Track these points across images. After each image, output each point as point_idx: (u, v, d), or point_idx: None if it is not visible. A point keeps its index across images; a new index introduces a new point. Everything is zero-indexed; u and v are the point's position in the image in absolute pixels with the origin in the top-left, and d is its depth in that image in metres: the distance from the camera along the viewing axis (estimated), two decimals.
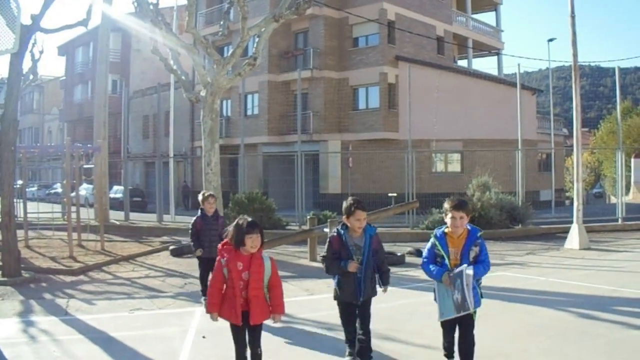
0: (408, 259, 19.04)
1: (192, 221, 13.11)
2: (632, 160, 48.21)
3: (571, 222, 22.55)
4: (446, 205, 7.33)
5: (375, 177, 39.06)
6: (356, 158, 41.10)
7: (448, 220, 7.28)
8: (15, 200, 18.14)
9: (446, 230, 7.36)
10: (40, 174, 59.61)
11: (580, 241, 21.58)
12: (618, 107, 33.81)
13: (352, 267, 7.68)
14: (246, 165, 33.27)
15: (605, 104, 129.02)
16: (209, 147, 21.24)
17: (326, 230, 17.51)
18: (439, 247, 7.34)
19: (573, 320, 10.79)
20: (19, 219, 22.00)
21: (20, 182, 55.94)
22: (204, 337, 9.92)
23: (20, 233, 18.87)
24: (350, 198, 7.95)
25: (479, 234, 7.31)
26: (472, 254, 7.23)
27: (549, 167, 44.07)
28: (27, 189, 25.89)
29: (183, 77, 22.91)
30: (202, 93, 21.54)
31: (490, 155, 36.39)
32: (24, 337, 10.36)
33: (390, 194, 28.62)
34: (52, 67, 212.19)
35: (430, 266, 7.45)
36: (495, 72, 56.61)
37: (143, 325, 11.16)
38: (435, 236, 7.43)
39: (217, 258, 6.91)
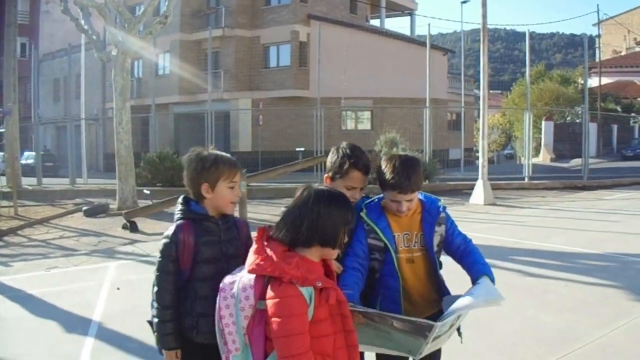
0: None
1: None
2: (543, 122, 49.32)
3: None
4: (384, 167, 4.14)
5: (285, 135, 39.45)
6: (267, 116, 41.27)
7: (388, 201, 4.23)
8: None
9: (383, 203, 4.31)
10: None
11: (485, 197, 22.29)
12: (527, 69, 34.75)
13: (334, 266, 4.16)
14: (157, 124, 33.18)
15: (520, 68, 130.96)
16: (120, 106, 21.21)
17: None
18: (377, 231, 4.19)
19: (459, 267, 11.28)
20: None
21: None
22: (118, 288, 10.31)
23: None
24: (344, 144, 4.48)
25: (440, 204, 4.35)
26: (436, 239, 4.31)
27: (459, 127, 44.96)
28: None
29: (94, 37, 22.80)
30: (114, 52, 21.48)
31: (400, 114, 37.03)
32: None
33: (298, 149, 28.88)
34: None
35: (348, 270, 4.11)
36: (408, 33, 57.23)
37: (60, 281, 11.33)
38: (366, 212, 4.25)
39: None
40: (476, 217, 18.86)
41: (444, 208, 4.36)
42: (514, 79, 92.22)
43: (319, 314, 3.26)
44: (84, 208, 21.54)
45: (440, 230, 4.32)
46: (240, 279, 3.43)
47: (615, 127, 56.88)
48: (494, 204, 22.05)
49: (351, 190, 4.31)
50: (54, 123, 51.29)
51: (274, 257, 3.28)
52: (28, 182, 31.74)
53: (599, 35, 63.91)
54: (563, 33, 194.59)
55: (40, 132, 50.26)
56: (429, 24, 36.35)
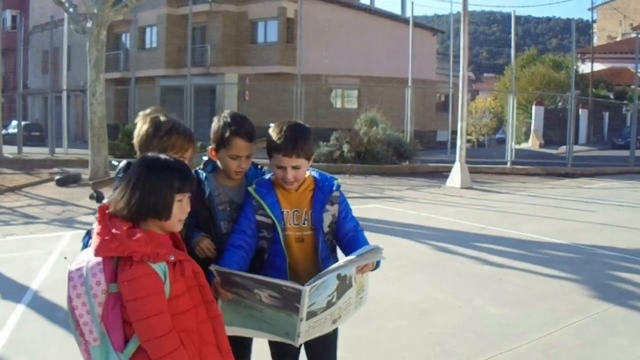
0: None
1: None
2: (533, 107, 48.97)
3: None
4: (272, 131, 3.97)
5: (271, 111, 38.88)
6: (253, 92, 41.11)
7: (275, 170, 3.97)
8: None
9: (274, 178, 4.05)
10: None
11: (462, 180, 21.91)
12: (512, 51, 34.38)
13: (202, 245, 3.87)
14: (142, 97, 33.07)
15: (515, 52, 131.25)
16: (94, 78, 21.07)
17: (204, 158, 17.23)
18: (265, 207, 3.90)
19: (430, 253, 11.14)
20: None
21: None
22: (65, 258, 10.11)
23: None
24: (225, 112, 4.21)
25: (335, 182, 4.06)
26: (327, 219, 4.00)
27: (448, 109, 44.64)
28: None
29: (71, 10, 22.39)
30: (89, 25, 21.12)
31: (387, 93, 36.75)
32: None
33: (269, 125, 28.65)
34: None
35: (230, 248, 3.86)
36: (399, 12, 56.86)
37: (11, 248, 11.31)
38: (255, 187, 3.97)
39: None
40: (450, 200, 18.59)
41: (338, 187, 4.06)
42: (509, 62, 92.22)
43: (176, 289, 3.06)
44: (57, 177, 21.57)
45: (332, 210, 4.02)
46: (88, 264, 3.12)
47: (606, 114, 56.54)
48: (470, 188, 21.65)
49: (236, 159, 4.01)
50: (41, 94, 51.11)
51: (119, 235, 3.01)
52: (10, 151, 31.89)
53: (593, 20, 63.55)
54: (559, 17, 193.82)
55: (29, 103, 50.17)
56: (412, 2, 36.00)
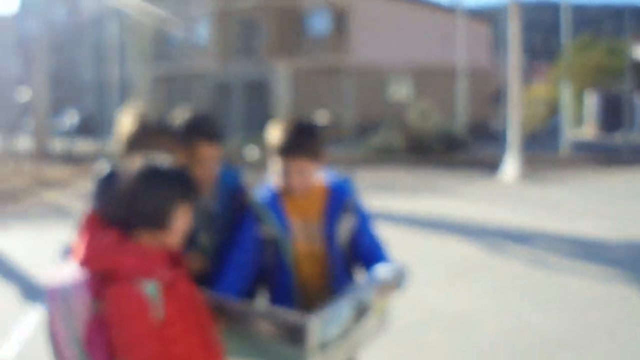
0: None
1: None
2: (588, 95, 48.10)
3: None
4: (273, 132, 3.43)
5: (323, 104, 38.69)
6: (305, 85, 40.77)
7: (276, 170, 3.45)
8: None
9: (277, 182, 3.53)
10: None
11: (515, 171, 21.41)
12: (565, 38, 33.57)
13: (190, 263, 3.29)
14: (192, 92, 33.19)
15: (569, 38, 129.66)
16: (139, 72, 20.87)
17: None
18: (268, 218, 3.43)
19: (478, 253, 10.68)
20: None
21: None
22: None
23: None
24: (190, 110, 3.67)
25: (350, 187, 3.58)
26: (342, 230, 3.46)
27: (502, 98, 44.06)
28: None
29: (117, 3, 22.42)
30: (134, 18, 21.10)
31: (440, 84, 36.31)
32: None
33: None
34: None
35: (229, 269, 3.43)
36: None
37: (34, 245, 11.11)
38: (256, 195, 3.56)
39: None
40: (500, 193, 18.20)
41: (354, 192, 3.56)
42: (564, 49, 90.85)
43: (169, 310, 2.70)
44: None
45: (348, 219, 3.49)
46: (70, 280, 2.75)
47: None
48: (524, 180, 21.02)
49: (203, 165, 3.51)
50: (93, 87, 51.50)
51: (105, 246, 2.70)
52: (61, 144, 32.35)
53: None
54: (615, 3, 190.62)
55: (83, 96, 50.66)
56: None
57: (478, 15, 51.66)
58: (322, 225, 3.46)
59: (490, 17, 58.00)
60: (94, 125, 44.77)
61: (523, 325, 7.08)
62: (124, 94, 35.33)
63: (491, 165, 24.95)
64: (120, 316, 2.61)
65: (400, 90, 44.64)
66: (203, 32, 46.35)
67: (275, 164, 3.40)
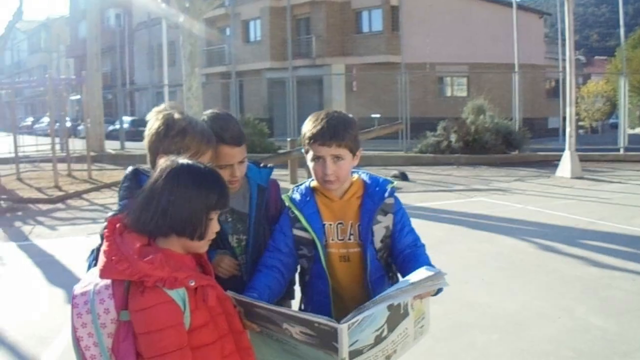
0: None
1: None
2: None
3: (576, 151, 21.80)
4: (304, 129, 3.31)
5: (380, 101, 38.53)
6: (360, 82, 40.72)
7: (310, 163, 3.32)
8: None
9: (313, 184, 3.42)
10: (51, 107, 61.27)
11: (572, 169, 20.97)
12: (622, 31, 32.94)
13: (224, 265, 3.38)
14: (248, 91, 33.23)
15: (626, 32, 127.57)
16: (189, 72, 20.95)
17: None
18: (302, 219, 3.29)
19: (533, 252, 10.34)
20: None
21: (30, 119, 56.31)
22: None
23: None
24: (206, 114, 3.53)
25: (389, 187, 3.36)
26: (379, 232, 3.32)
27: (558, 94, 43.49)
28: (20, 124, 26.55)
29: (163, 5, 22.42)
30: (181, 19, 21.07)
31: (496, 80, 35.90)
32: None
33: (373, 115, 28.37)
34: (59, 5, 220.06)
35: (262, 269, 3.29)
36: None
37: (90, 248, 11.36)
38: (291, 196, 3.41)
39: None
40: (558, 191, 17.68)
41: (393, 192, 3.34)
42: (620, 43, 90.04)
43: (198, 318, 2.59)
44: None
45: (386, 221, 3.31)
46: (95, 288, 2.66)
47: None
48: (581, 177, 20.50)
49: (227, 168, 3.40)
50: (145, 90, 52.07)
51: (129, 255, 2.54)
52: (114, 147, 32.69)
53: None
54: None
55: (137, 99, 51.11)
56: None
57: (533, 9, 51.10)
58: (356, 226, 3.31)
59: (545, 11, 57.41)
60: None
61: (580, 325, 6.78)
62: (178, 95, 35.65)
63: (548, 163, 24.62)
64: (148, 325, 2.51)
65: (455, 87, 44.37)
66: (257, 30, 46.51)
67: (311, 154, 3.27)
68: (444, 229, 12.34)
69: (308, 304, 3.44)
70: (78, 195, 18.50)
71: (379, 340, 2.75)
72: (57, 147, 24.70)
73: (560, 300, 7.68)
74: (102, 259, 2.58)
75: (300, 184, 3.47)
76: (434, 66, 38.52)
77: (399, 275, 3.36)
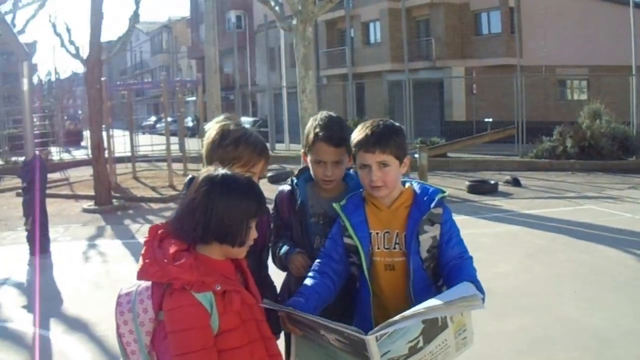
0: (502, 187, 18.69)
1: None
2: None
3: None
4: (353, 136, 3.44)
5: (500, 104, 37.99)
6: (480, 85, 40.26)
7: (361, 177, 3.43)
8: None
9: (364, 194, 3.51)
10: (173, 107, 62.73)
11: None
12: None
13: (297, 263, 3.62)
14: (369, 93, 33.33)
15: None
16: (303, 75, 21.13)
17: (416, 156, 16.59)
18: (349, 227, 3.38)
19: (633, 265, 9.78)
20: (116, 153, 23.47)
21: (153, 118, 57.78)
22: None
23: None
24: (321, 114, 3.78)
25: (438, 197, 3.38)
26: (425, 242, 3.34)
27: None
28: (143, 123, 27.26)
29: (277, 8, 22.62)
30: (294, 22, 21.26)
31: (617, 83, 34.93)
32: (74, 257, 11.45)
33: (486, 120, 28.08)
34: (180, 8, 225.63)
35: (313, 275, 3.40)
36: None
37: None
38: (342, 205, 3.46)
39: None
40: None
41: (441, 202, 3.37)
42: None
43: (226, 322, 2.75)
44: (269, 174, 21.74)
45: (433, 231, 3.36)
46: (137, 290, 2.95)
47: None
48: None
49: (320, 165, 3.63)
50: (261, 91, 52.76)
51: (161, 259, 2.76)
52: None
53: None
54: None
55: (258, 100, 51.88)
56: None
57: None
58: (402, 235, 3.38)
59: None
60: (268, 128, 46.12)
61: None
62: (296, 97, 36.06)
63: None
64: (174, 325, 2.69)
65: (576, 90, 43.50)
66: (377, 31, 46.53)
67: (358, 161, 3.38)
68: (546, 237, 12.04)
69: (355, 310, 3.52)
70: (173, 199, 18.68)
71: (414, 350, 2.83)
72: (175, 147, 25.34)
73: None
74: (139, 261, 2.82)
75: (354, 193, 3.55)
76: (553, 69, 37.78)
77: (444, 285, 3.40)
